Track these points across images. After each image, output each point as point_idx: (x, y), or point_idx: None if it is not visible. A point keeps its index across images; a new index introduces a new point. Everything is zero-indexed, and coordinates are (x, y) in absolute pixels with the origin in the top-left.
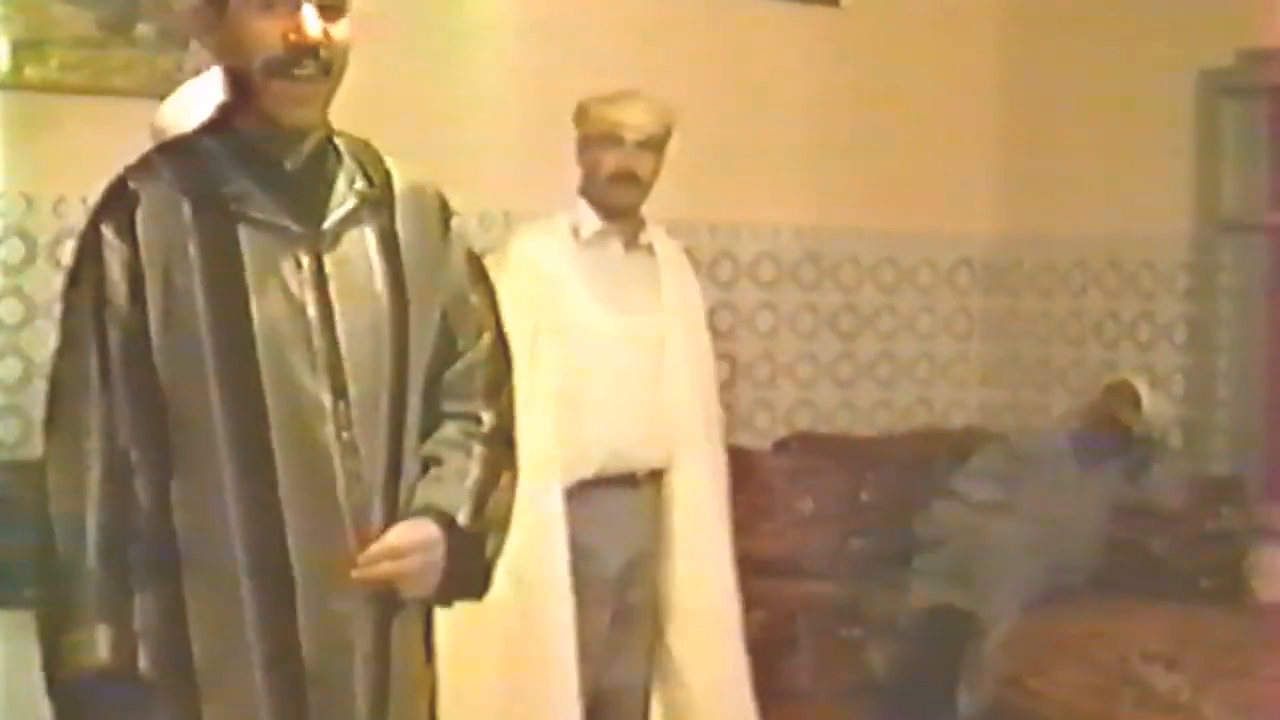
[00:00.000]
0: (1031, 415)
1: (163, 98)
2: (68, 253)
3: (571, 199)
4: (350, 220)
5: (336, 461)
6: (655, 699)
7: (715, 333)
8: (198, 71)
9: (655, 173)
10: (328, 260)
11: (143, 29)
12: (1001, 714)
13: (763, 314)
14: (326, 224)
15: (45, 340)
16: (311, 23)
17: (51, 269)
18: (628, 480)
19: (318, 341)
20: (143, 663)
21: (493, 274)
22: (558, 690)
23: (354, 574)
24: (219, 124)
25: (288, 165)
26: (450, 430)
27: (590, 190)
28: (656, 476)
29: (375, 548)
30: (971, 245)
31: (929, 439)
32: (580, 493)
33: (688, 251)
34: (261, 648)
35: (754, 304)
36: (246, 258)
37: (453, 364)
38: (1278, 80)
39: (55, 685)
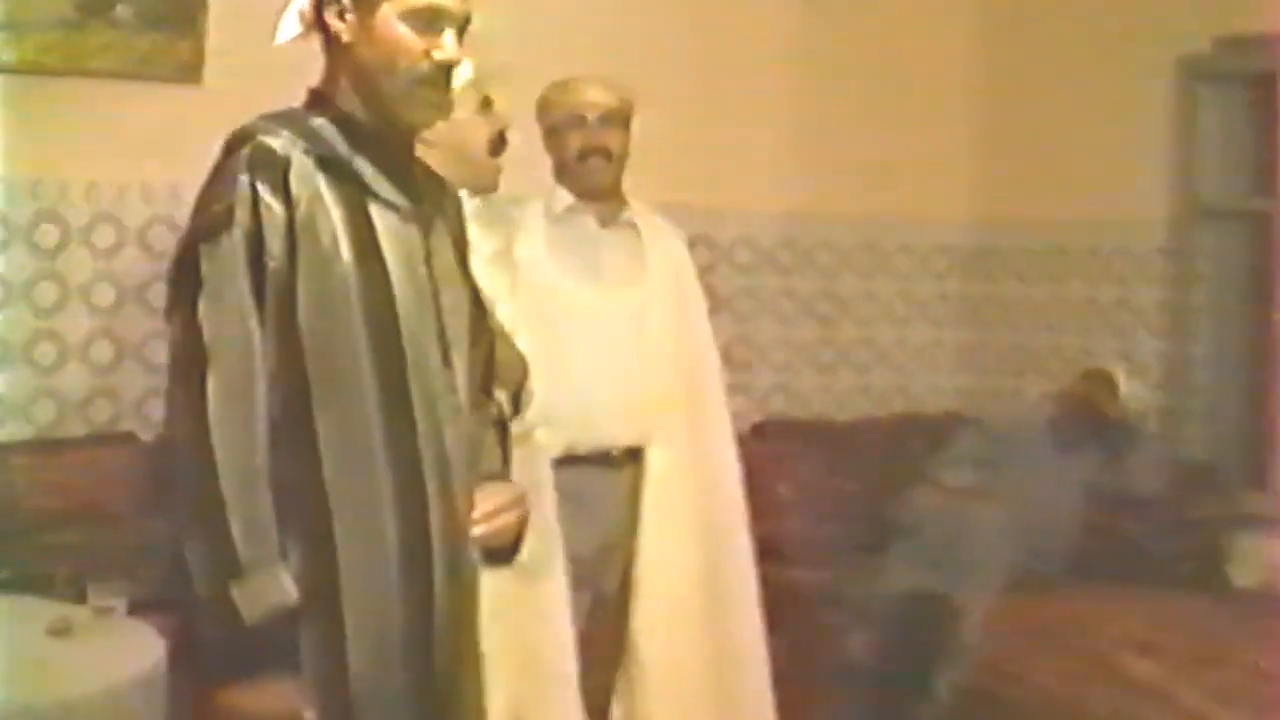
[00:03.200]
0: (1008, 401)
1: (141, 79)
2: (45, 235)
3: (545, 184)
4: (434, 208)
5: (451, 426)
6: (619, 674)
7: None
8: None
9: (625, 148)
10: (429, 242)
11: (121, 10)
12: (978, 698)
13: (741, 299)
14: (425, 207)
15: (21, 325)
16: (453, 46)
17: (28, 252)
18: (603, 459)
19: (432, 315)
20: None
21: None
22: (558, 666)
23: (476, 531)
24: (323, 105)
25: (396, 154)
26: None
27: (563, 173)
28: (637, 457)
29: (493, 503)
30: (950, 231)
31: (906, 424)
32: (555, 471)
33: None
34: (403, 598)
35: (732, 289)
36: (379, 230)
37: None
38: (1255, 66)
39: (232, 631)
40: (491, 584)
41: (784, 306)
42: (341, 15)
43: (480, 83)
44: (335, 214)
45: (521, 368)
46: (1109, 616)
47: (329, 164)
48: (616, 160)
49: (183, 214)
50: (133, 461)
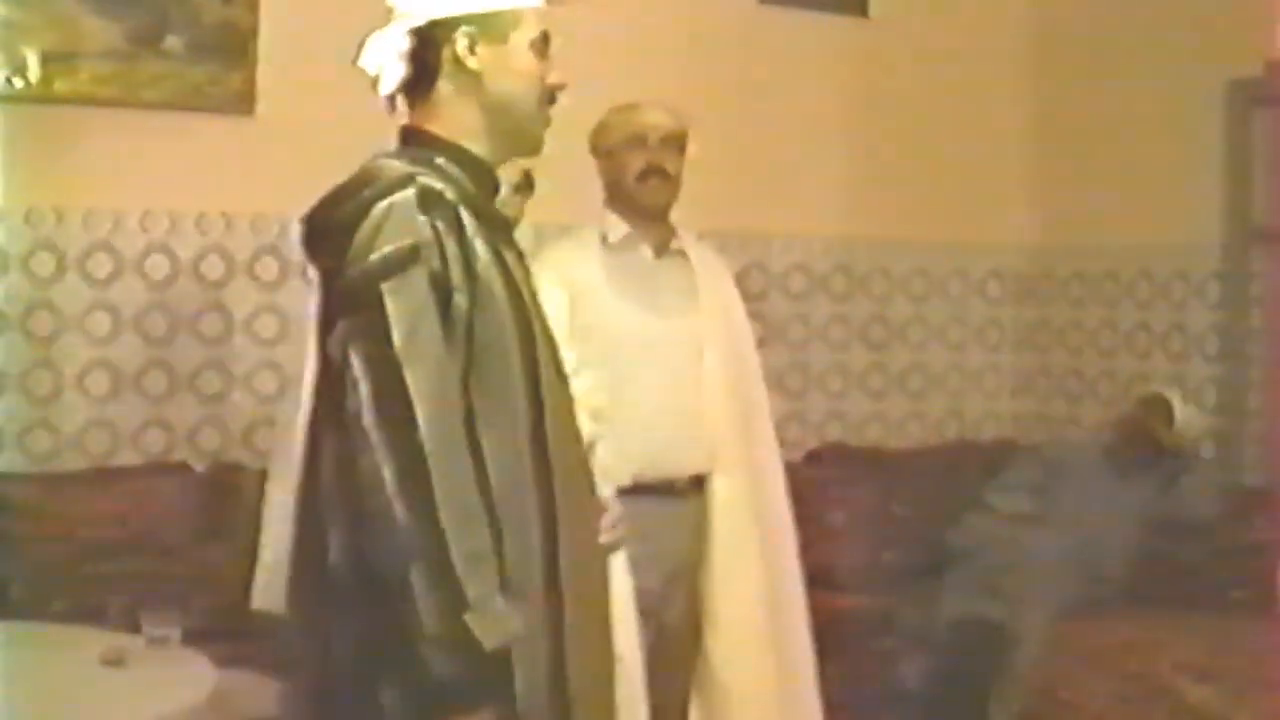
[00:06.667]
0: (1063, 426)
1: (193, 110)
2: (98, 265)
3: (596, 213)
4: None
5: (579, 447)
6: (693, 706)
7: None
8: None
9: (680, 172)
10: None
11: (172, 42)
12: None
13: (794, 325)
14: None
15: (74, 354)
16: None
17: (81, 281)
18: (667, 489)
19: (548, 344)
20: None
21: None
22: (630, 701)
23: (604, 539)
24: (432, 143)
25: (500, 187)
26: None
27: (619, 195)
28: (700, 486)
29: (614, 515)
30: (1003, 256)
31: (960, 450)
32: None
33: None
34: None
35: (785, 315)
36: (510, 265)
37: None
38: None
39: (461, 659)
40: None
41: (837, 333)
42: (472, 48)
43: None
44: (482, 251)
45: None
46: (1166, 642)
47: (467, 202)
48: (673, 182)
49: (236, 243)
50: (186, 492)
